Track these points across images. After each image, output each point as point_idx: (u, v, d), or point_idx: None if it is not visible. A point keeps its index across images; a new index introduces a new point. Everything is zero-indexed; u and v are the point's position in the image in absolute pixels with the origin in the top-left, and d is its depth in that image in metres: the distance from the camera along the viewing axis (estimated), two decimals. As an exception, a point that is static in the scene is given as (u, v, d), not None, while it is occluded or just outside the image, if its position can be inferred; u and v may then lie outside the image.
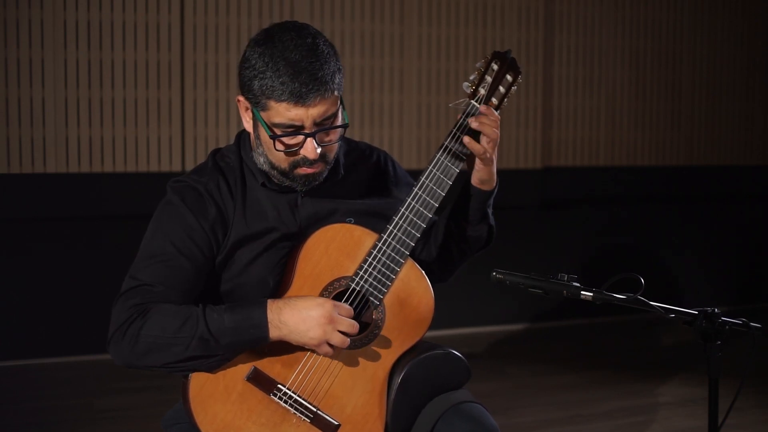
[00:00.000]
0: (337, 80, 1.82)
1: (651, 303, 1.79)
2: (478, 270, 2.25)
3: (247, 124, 1.90)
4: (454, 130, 1.90)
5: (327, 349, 1.80)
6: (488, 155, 1.89)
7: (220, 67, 4.60)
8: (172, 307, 1.78)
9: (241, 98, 1.88)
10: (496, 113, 1.90)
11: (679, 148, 5.80)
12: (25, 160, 4.33)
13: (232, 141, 2.03)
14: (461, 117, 1.91)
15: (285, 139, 1.82)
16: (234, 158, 1.95)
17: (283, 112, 1.79)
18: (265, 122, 1.82)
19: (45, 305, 4.35)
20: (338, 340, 1.78)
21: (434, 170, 1.89)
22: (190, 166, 4.54)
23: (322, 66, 1.79)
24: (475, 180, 1.96)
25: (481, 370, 4.33)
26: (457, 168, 1.90)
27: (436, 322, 1.97)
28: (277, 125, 1.81)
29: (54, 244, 4.40)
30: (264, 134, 1.84)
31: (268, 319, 1.77)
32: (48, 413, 3.68)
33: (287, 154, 1.83)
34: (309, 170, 1.86)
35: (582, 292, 1.81)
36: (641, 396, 4.03)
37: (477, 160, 1.91)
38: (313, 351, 1.83)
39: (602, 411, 3.84)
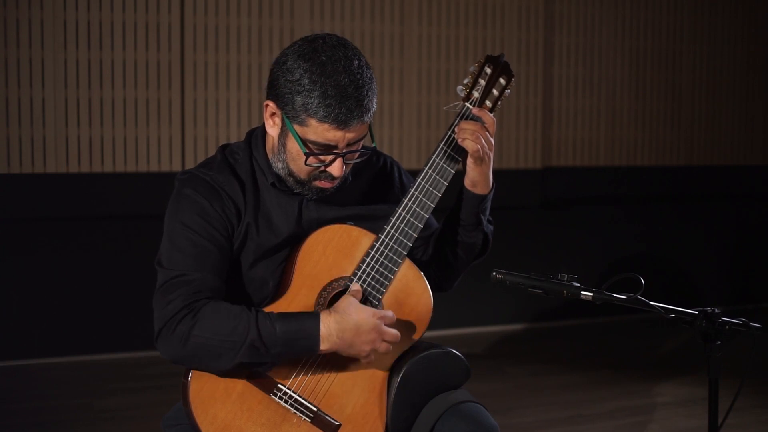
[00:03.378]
0: (374, 106, 1.85)
1: (651, 303, 1.79)
2: (478, 270, 2.24)
3: (272, 129, 1.89)
4: (449, 132, 1.90)
5: (371, 357, 1.83)
6: (480, 154, 1.87)
7: (220, 67, 4.60)
8: (223, 308, 1.78)
9: (271, 104, 1.87)
10: (491, 115, 1.90)
11: (679, 148, 5.80)
12: (25, 160, 4.33)
13: (231, 141, 2.03)
14: (456, 119, 1.91)
15: (318, 156, 1.83)
16: (244, 156, 1.95)
17: (322, 133, 1.80)
18: (299, 137, 1.82)
19: (45, 305, 4.35)
20: (384, 348, 1.82)
21: (430, 171, 1.89)
22: (190, 166, 4.54)
23: (367, 93, 1.82)
24: (467, 182, 1.95)
25: (481, 370, 4.33)
26: (452, 169, 1.91)
27: (436, 322, 1.97)
28: (312, 143, 1.82)
29: (54, 244, 4.39)
30: (292, 145, 1.85)
31: (322, 334, 1.77)
32: (48, 413, 3.68)
33: (313, 167, 1.85)
34: (327, 184, 1.89)
35: (582, 292, 1.81)
36: (641, 396, 4.03)
37: (469, 161, 1.90)
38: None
39: (603, 411, 3.84)
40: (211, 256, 1.84)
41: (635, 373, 4.39)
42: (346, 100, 1.78)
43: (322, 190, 1.90)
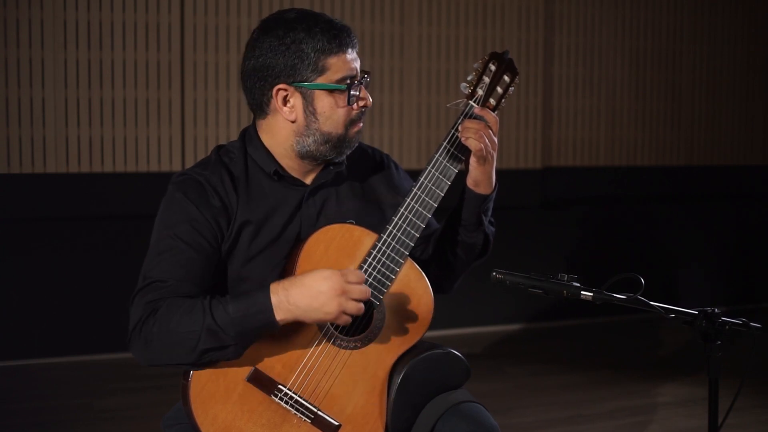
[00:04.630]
0: None
1: (651, 303, 1.79)
2: (478, 270, 2.24)
3: (291, 113, 1.89)
4: (452, 131, 1.90)
5: (345, 318, 1.77)
6: (483, 153, 1.87)
7: (220, 67, 4.60)
8: (179, 302, 1.78)
9: (282, 86, 1.87)
10: (493, 114, 1.90)
11: (679, 148, 5.80)
12: (25, 160, 4.33)
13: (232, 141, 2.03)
14: (459, 117, 1.91)
15: (358, 87, 1.88)
16: (238, 153, 1.95)
17: (342, 65, 1.85)
18: (328, 84, 1.85)
19: (45, 305, 4.35)
20: (354, 308, 1.75)
21: (432, 170, 1.89)
22: (189, 166, 4.54)
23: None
24: (469, 181, 1.94)
25: (481, 370, 4.33)
26: (455, 168, 1.90)
27: (436, 322, 1.97)
28: (340, 81, 1.86)
29: (54, 244, 4.40)
30: (322, 103, 1.86)
31: (273, 303, 1.74)
32: (48, 413, 3.68)
33: (351, 106, 1.88)
34: (359, 125, 1.93)
35: (582, 292, 1.81)
36: (641, 396, 4.03)
37: (472, 160, 1.90)
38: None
39: (603, 411, 3.84)
40: (193, 264, 1.83)
41: (635, 373, 4.39)
42: (340, 27, 1.87)
43: (358, 135, 1.93)
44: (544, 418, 3.76)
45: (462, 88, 1.92)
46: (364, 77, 1.90)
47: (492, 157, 1.90)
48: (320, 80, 1.85)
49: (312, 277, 1.75)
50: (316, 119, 1.87)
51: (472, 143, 1.86)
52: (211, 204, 1.87)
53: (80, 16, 4.35)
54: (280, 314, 1.75)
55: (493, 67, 1.92)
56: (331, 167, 1.95)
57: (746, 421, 3.69)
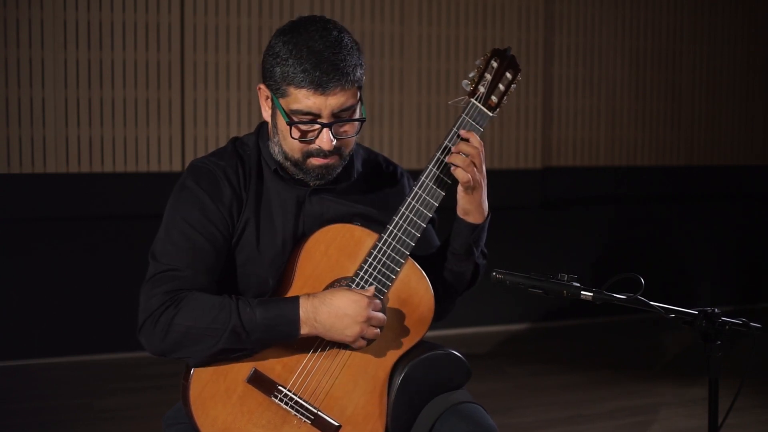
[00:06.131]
0: (358, 74, 1.84)
1: (651, 303, 1.79)
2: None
3: (266, 113, 1.91)
4: (454, 129, 1.89)
5: (361, 343, 1.81)
6: (471, 184, 1.84)
7: (220, 67, 4.60)
8: (205, 297, 1.78)
9: (262, 86, 1.89)
10: (478, 139, 1.86)
11: (679, 148, 5.80)
12: (25, 160, 4.33)
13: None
14: (462, 114, 1.89)
15: (301, 127, 1.82)
16: (252, 147, 1.96)
17: (302, 99, 1.80)
18: (283, 109, 1.83)
19: (45, 305, 4.35)
20: (372, 334, 1.81)
21: (434, 169, 1.88)
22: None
23: (345, 58, 1.81)
24: (459, 210, 1.92)
25: (481, 370, 4.32)
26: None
27: (436, 322, 1.97)
28: (295, 112, 1.82)
29: (54, 244, 4.39)
30: (281, 122, 1.85)
31: (301, 319, 1.77)
32: (48, 413, 3.68)
33: (301, 142, 1.83)
34: (322, 161, 1.86)
35: (582, 292, 1.81)
36: (641, 396, 4.03)
37: (459, 189, 1.87)
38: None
39: (603, 411, 3.84)
40: (204, 253, 1.84)
41: (635, 373, 4.39)
42: (321, 64, 1.78)
43: (321, 169, 1.86)
44: (544, 418, 3.75)
45: (464, 85, 1.90)
46: (333, 122, 1.81)
47: (480, 185, 1.87)
48: (281, 101, 1.83)
49: (339, 299, 1.77)
50: (277, 132, 1.88)
51: (459, 174, 1.83)
52: (223, 195, 1.87)
53: (80, 16, 4.35)
54: (305, 329, 1.78)
55: (495, 64, 1.91)
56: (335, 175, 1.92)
57: (746, 421, 3.69)
